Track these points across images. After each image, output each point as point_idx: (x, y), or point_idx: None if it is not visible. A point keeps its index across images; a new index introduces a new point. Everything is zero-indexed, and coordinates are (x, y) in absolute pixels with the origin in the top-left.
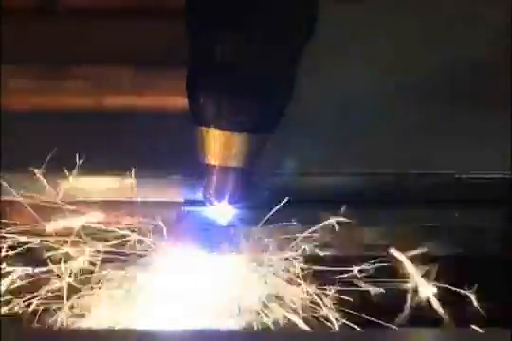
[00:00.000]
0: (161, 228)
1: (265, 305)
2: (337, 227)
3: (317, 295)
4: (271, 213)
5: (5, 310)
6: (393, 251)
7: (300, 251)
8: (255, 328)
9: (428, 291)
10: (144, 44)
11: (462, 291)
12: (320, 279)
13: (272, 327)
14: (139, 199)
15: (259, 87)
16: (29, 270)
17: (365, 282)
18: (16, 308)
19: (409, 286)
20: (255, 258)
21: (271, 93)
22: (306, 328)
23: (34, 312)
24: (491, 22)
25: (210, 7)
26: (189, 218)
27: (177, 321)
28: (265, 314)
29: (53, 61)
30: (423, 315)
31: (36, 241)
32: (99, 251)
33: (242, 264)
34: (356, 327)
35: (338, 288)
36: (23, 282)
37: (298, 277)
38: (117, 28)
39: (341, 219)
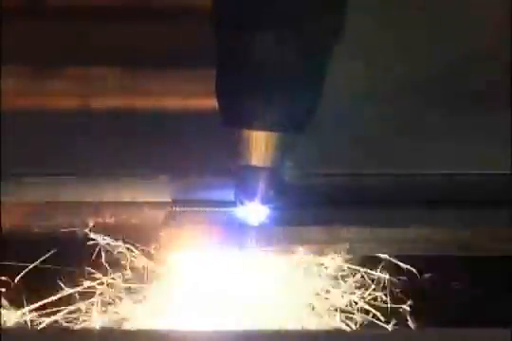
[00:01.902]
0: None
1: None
2: None
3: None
4: None
5: None
6: None
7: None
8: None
9: None
10: (132, 45)
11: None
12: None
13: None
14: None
15: (290, 87)
16: None
17: None
18: None
19: None
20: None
21: (302, 92)
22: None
23: None
24: (491, 21)
25: (239, 6)
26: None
27: (208, 321)
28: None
29: (39, 61)
30: None
31: None
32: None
33: (274, 264)
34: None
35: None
36: None
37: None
38: (104, 29)
39: None
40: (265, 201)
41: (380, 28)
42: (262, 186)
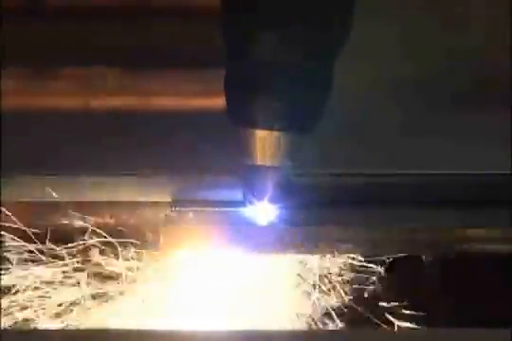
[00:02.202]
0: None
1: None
2: None
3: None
4: None
5: None
6: None
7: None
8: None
9: None
10: (132, 44)
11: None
12: None
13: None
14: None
15: (298, 87)
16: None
17: None
18: None
19: None
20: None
21: (311, 92)
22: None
23: None
24: (491, 21)
25: (247, 6)
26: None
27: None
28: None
29: (39, 62)
30: None
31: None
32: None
33: (283, 264)
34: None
35: None
36: None
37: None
38: (104, 29)
39: None
40: (273, 200)
41: (383, 28)
42: (269, 185)
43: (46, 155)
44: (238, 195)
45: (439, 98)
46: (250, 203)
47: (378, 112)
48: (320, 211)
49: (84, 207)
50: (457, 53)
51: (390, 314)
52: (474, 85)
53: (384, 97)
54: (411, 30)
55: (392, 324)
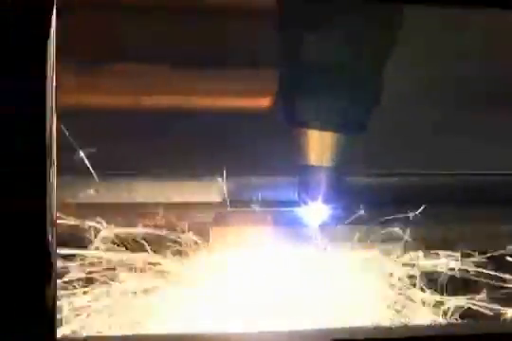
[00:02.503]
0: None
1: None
2: None
3: None
4: None
5: None
6: None
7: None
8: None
9: None
10: (182, 42)
11: None
12: None
13: None
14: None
15: (354, 87)
16: None
17: None
18: None
19: None
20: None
21: (365, 93)
22: None
23: None
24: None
25: (304, 8)
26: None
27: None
28: None
29: (89, 58)
30: None
31: None
32: None
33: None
34: None
35: None
36: None
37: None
38: (153, 26)
39: None
40: (328, 200)
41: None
42: (325, 185)
43: (97, 155)
44: (292, 195)
45: (445, 98)
46: (305, 203)
47: (380, 112)
48: (375, 210)
49: (136, 209)
50: (490, 53)
51: None
52: (505, 86)
53: (389, 96)
54: (442, 27)
55: None
